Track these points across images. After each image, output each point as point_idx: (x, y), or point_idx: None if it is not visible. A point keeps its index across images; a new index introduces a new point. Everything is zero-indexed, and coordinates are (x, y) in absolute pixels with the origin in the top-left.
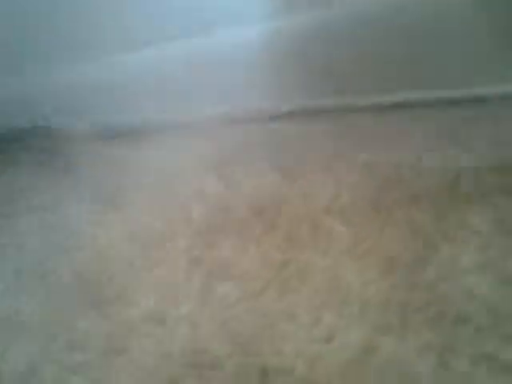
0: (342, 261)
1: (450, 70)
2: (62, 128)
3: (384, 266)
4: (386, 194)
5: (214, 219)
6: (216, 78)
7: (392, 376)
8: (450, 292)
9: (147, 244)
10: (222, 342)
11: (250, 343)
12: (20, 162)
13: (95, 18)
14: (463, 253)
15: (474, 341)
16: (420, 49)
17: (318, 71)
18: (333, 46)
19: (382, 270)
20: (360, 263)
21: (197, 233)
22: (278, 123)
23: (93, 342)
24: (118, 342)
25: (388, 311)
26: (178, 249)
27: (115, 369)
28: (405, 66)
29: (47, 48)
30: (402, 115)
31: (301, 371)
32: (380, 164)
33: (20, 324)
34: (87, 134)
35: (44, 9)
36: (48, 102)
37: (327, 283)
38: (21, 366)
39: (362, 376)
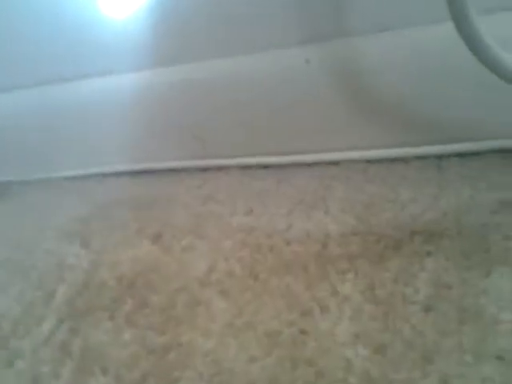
0: (223, 340)
1: (306, 134)
2: None
3: (266, 341)
4: (261, 262)
5: (81, 298)
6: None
7: None
8: (330, 366)
9: (5, 332)
10: None
11: None
12: None
13: None
14: (338, 323)
15: None
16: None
17: (183, 130)
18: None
19: (264, 347)
20: (242, 340)
21: (62, 316)
22: (144, 180)
23: None
24: None
25: None
26: (41, 336)
27: None
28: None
29: None
30: (267, 177)
31: None
32: (253, 229)
33: None
34: None
35: None
36: None
37: (211, 367)
38: None
39: None
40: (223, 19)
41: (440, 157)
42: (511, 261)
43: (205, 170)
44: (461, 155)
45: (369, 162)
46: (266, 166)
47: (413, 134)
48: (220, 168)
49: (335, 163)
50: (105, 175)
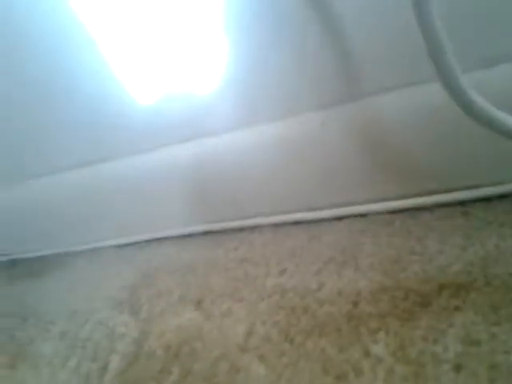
0: None
1: (331, 189)
2: None
3: None
4: (295, 325)
5: (131, 368)
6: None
7: None
8: None
9: None
10: None
11: None
12: None
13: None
14: None
15: None
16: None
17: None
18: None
19: None
20: None
21: None
22: (184, 245)
23: None
24: None
25: None
26: None
27: None
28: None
29: None
30: (300, 234)
31: None
32: (287, 291)
33: None
34: None
35: None
36: None
37: None
38: None
39: None
40: (241, 90)
41: (464, 203)
42: None
43: (240, 230)
44: (486, 200)
45: (394, 213)
46: (296, 223)
47: (435, 181)
48: (254, 228)
49: (363, 215)
50: (148, 241)
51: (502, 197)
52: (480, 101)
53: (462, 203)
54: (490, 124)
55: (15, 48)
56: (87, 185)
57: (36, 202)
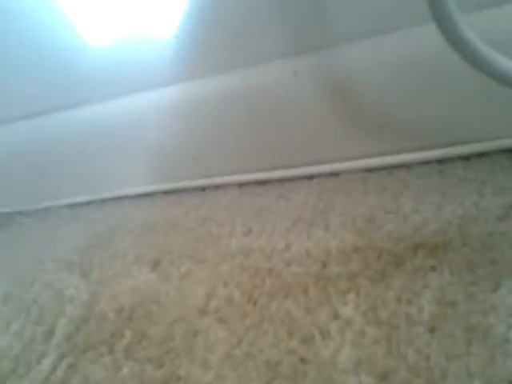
0: (222, 372)
1: (301, 146)
2: None
3: (265, 372)
4: (260, 286)
5: (80, 332)
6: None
7: None
8: None
9: (5, 370)
10: None
11: None
12: None
13: None
14: (340, 350)
15: None
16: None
17: (182, 151)
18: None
19: (264, 378)
20: (241, 372)
21: (62, 352)
22: (144, 204)
23: None
24: None
25: None
26: (41, 374)
27: None
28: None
29: None
30: (266, 193)
31: None
32: (252, 251)
33: None
34: None
35: None
36: None
37: None
38: None
39: None
40: (214, 35)
41: (443, 161)
42: None
43: (203, 189)
44: (464, 158)
45: (369, 171)
46: (264, 182)
47: (412, 138)
48: (218, 187)
49: (335, 175)
50: (104, 200)
51: (480, 155)
52: (478, 43)
53: (439, 161)
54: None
55: None
56: (38, 138)
57: None
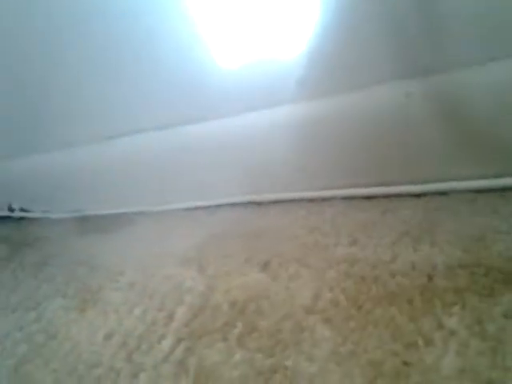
0: (327, 366)
1: (410, 165)
2: (36, 217)
3: (369, 371)
4: (365, 293)
5: (196, 319)
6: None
7: None
8: None
9: (130, 348)
10: None
11: None
12: None
13: (78, 102)
14: (443, 357)
15: None
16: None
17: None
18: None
19: (367, 376)
20: (345, 368)
21: (180, 335)
22: (253, 211)
23: None
24: None
25: None
26: (161, 354)
27: None
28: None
29: (25, 135)
30: (371, 208)
31: None
32: (358, 260)
33: None
34: (63, 224)
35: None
36: (24, 190)
37: None
38: None
39: None
40: (333, 57)
41: None
42: None
43: (311, 201)
44: None
45: (479, 192)
46: (369, 197)
47: None
48: (325, 199)
49: (443, 194)
50: (218, 206)
51: None
52: None
53: None
54: None
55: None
56: (163, 148)
57: (111, 163)
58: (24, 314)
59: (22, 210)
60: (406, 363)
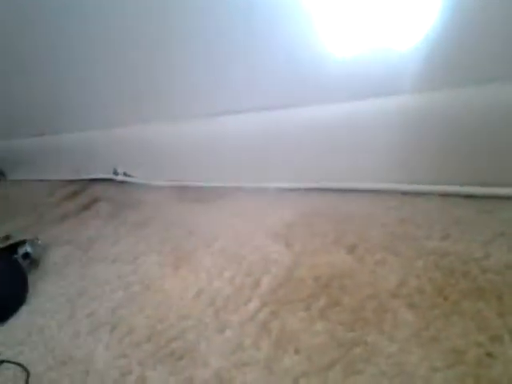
0: (407, 346)
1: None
2: (138, 183)
3: (450, 356)
4: (453, 285)
5: (282, 288)
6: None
7: None
8: None
9: (218, 306)
10: None
11: None
12: (98, 211)
13: (185, 79)
14: None
15: None
16: None
17: (389, 154)
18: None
19: (447, 360)
20: (425, 350)
21: (265, 300)
22: (346, 197)
23: None
24: None
25: None
26: (247, 314)
27: None
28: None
29: (131, 105)
30: (467, 206)
31: None
32: (448, 254)
33: (93, 372)
34: (163, 191)
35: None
36: (129, 156)
37: (392, 368)
38: None
39: None
40: (450, 51)
41: None
42: None
43: (404, 193)
44: None
45: None
46: (467, 196)
47: None
48: (419, 193)
49: None
50: (308, 189)
51: None
52: None
53: None
54: None
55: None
56: (265, 127)
57: (213, 138)
58: (122, 266)
59: (125, 174)
60: (489, 354)
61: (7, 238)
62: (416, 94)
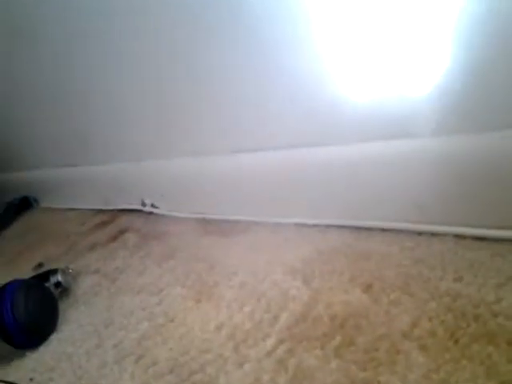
0: None
1: None
2: (164, 214)
3: None
4: (464, 328)
5: (298, 325)
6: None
7: None
8: None
9: (237, 340)
10: None
11: None
12: (126, 241)
13: (210, 117)
14: None
15: None
16: None
17: (404, 196)
18: None
19: None
20: None
21: (282, 337)
22: (362, 236)
23: None
24: None
25: None
26: (265, 350)
27: None
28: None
29: (160, 141)
30: (481, 248)
31: None
32: (460, 296)
33: None
34: (187, 224)
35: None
36: (156, 188)
37: None
38: None
39: None
40: (456, 100)
41: None
42: None
43: (420, 233)
44: None
45: None
46: (480, 238)
47: None
48: (434, 234)
49: None
50: (328, 226)
51: None
52: None
53: None
54: None
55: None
56: (280, 166)
57: (234, 174)
58: (147, 297)
59: (153, 205)
60: None
61: (40, 265)
62: (432, 137)
